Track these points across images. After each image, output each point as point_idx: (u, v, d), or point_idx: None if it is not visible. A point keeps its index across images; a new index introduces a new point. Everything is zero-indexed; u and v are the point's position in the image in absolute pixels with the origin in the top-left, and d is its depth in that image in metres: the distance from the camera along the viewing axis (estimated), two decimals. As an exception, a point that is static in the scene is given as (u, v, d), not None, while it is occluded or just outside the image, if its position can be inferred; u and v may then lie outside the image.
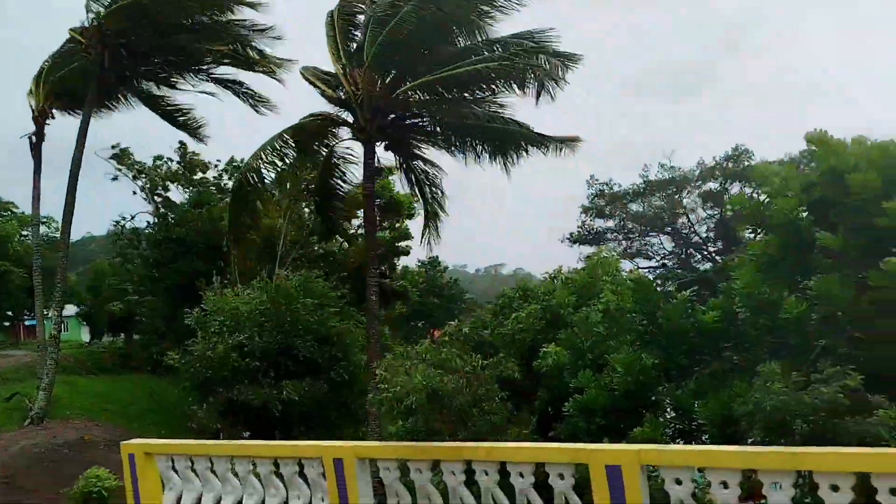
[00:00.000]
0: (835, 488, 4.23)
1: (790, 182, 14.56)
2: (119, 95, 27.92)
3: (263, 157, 18.87)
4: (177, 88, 27.37)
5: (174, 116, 28.71)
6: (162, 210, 39.48)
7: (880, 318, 12.65)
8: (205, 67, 26.03)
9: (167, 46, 24.92)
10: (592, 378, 15.59)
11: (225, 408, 20.52)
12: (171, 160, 39.44)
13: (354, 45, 20.34)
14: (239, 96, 26.26)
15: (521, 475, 5.50)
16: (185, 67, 26.18)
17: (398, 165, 22.39)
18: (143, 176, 39.48)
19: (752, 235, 16.07)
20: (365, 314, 19.72)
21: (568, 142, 19.29)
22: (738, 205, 16.70)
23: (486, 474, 5.70)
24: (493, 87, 18.92)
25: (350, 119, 20.36)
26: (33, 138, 26.66)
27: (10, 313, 51.02)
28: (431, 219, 22.40)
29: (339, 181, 21.84)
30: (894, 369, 12.50)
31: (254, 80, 26.92)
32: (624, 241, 44.13)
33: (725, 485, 4.60)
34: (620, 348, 15.80)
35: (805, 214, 14.05)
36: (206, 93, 26.69)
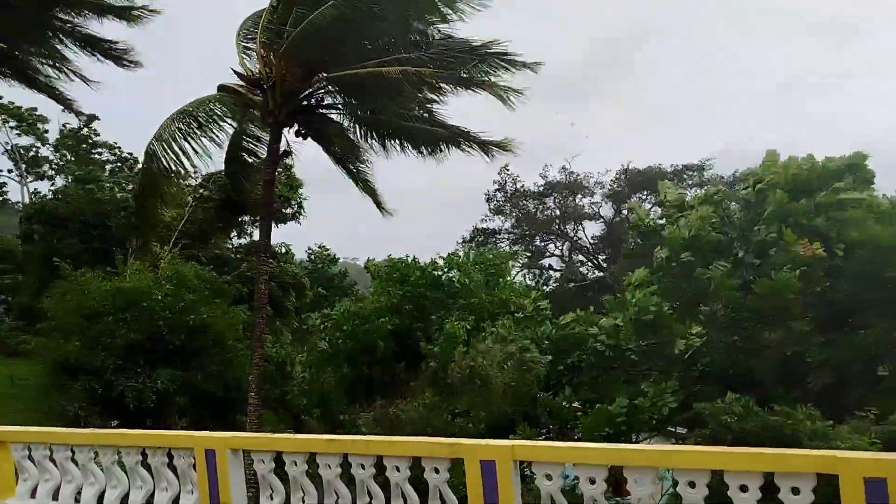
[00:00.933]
0: (692, 485, 4.48)
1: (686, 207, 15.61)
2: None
3: (168, 133, 17.89)
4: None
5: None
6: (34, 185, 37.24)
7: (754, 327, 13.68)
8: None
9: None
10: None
11: (90, 396, 19.56)
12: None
13: (276, 28, 19.67)
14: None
15: (398, 469, 5.50)
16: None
17: (330, 152, 21.66)
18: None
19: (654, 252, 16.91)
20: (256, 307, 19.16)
21: (496, 146, 19.39)
22: (637, 226, 17.66)
23: (363, 468, 5.66)
24: (415, 88, 18.67)
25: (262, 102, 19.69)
26: None
27: None
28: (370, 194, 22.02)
29: (247, 165, 21.09)
30: (766, 373, 13.47)
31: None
32: (518, 242, 45.14)
33: (593, 480, 4.77)
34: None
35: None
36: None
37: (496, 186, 43.58)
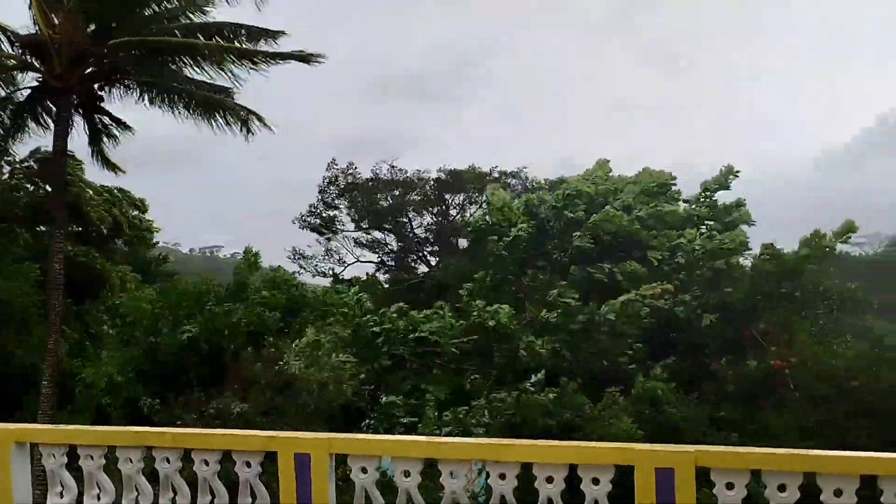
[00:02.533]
0: (502, 476, 4.63)
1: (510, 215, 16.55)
2: None
3: None
4: None
5: None
6: None
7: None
8: None
9: None
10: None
11: None
12: None
13: None
14: None
15: (206, 463, 5.23)
16: None
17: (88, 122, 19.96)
18: None
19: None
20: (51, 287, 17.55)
21: (257, 119, 18.89)
22: (474, 228, 18.49)
23: (168, 462, 5.33)
24: (206, 56, 17.89)
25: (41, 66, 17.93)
26: None
27: None
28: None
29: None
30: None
31: None
32: (354, 232, 44.86)
33: (408, 473, 4.79)
34: None
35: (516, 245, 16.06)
36: None
37: (327, 180, 43.08)
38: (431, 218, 43.84)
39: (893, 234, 57.57)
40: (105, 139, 19.93)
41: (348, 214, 44.36)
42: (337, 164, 43.15)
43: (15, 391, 18.70)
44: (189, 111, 18.57)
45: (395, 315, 17.75)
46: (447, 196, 42.74)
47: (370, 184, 43.14)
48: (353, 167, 43.34)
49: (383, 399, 16.31)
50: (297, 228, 43.66)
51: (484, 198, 25.69)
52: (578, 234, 15.47)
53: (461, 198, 42.25)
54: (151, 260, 40.72)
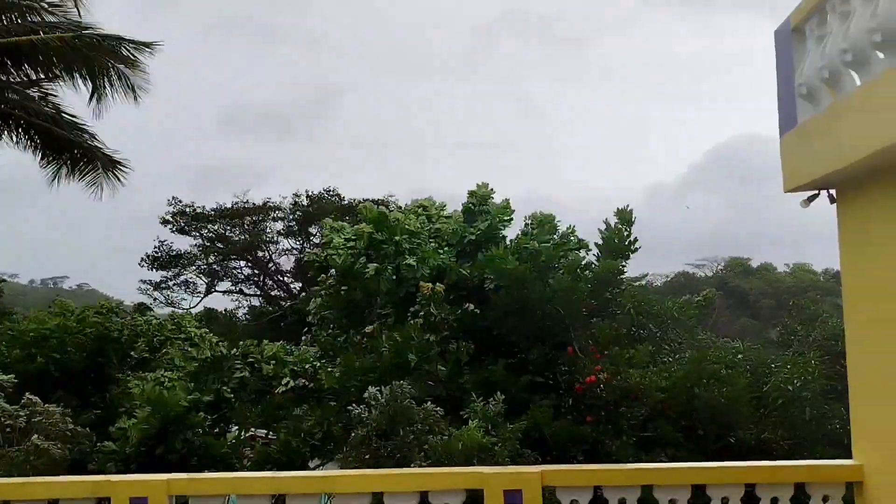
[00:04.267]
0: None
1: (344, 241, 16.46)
2: None
3: None
4: None
5: None
6: None
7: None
8: None
9: None
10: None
11: None
12: None
13: None
14: None
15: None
16: None
17: None
18: None
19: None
20: None
21: (116, 165, 17.35)
22: (311, 256, 18.40)
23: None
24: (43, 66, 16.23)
25: None
26: None
27: None
28: None
29: None
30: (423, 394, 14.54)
31: None
32: (204, 264, 43.06)
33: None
34: None
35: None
36: None
37: (174, 211, 41.22)
38: (292, 247, 42.96)
39: (729, 255, 62.42)
40: None
41: (197, 246, 42.64)
42: (180, 200, 41.50)
43: None
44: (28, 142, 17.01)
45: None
46: (314, 223, 41.87)
47: (217, 214, 41.69)
48: (193, 204, 41.82)
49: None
50: (144, 268, 41.50)
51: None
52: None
53: (315, 227, 41.68)
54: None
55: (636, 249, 15.78)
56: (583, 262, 16.09)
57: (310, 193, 41.96)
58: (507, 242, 16.52)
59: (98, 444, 15.12)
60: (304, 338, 19.12)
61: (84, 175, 16.44)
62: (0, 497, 4.90)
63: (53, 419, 14.66)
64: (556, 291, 14.57)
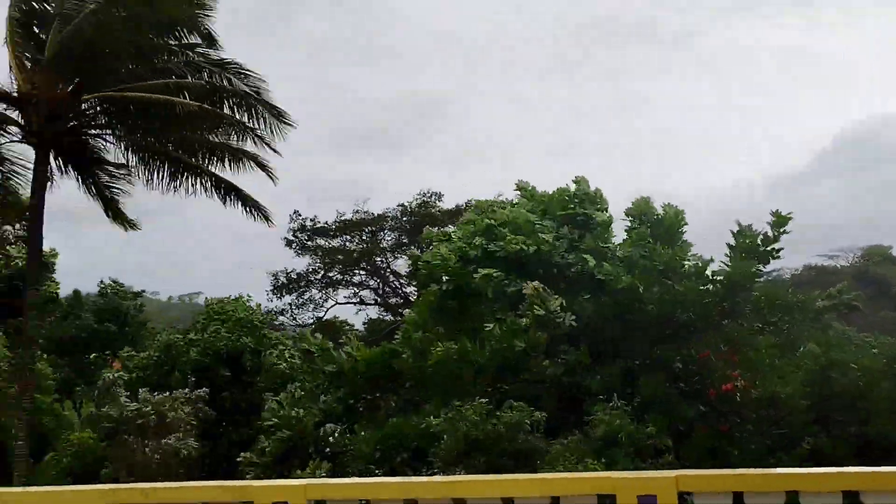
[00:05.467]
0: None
1: (447, 245, 16.37)
2: None
3: None
4: None
5: None
6: None
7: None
8: None
9: None
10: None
11: None
12: None
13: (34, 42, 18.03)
14: None
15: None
16: None
17: (82, 177, 19.87)
18: None
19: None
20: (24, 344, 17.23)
21: (261, 212, 19.07)
22: (415, 261, 18.58)
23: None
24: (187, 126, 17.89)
25: (18, 119, 17.85)
26: None
27: None
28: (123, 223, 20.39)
29: None
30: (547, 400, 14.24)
31: None
32: (324, 279, 44.59)
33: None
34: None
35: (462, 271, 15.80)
36: None
37: (295, 228, 42.92)
38: (405, 254, 43.78)
39: (866, 245, 58.22)
40: (108, 194, 19.78)
41: (318, 262, 44.14)
42: (300, 215, 43.12)
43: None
44: (165, 174, 18.64)
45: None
46: (423, 230, 42.63)
47: (337, 228, 43.02)
48: (315, 217, 43.30)
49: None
50: (272, 295, 43.41)
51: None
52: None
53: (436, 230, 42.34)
54: (126, 312, 40.31)
55: (777, 254, 14.81)
56: (705, 267, 15.34)
57: (416, 202, 42.65)
58: (617, 246, 15.84)
59: (241, 454, 16.05)
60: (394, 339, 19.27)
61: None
62: (155, 500, 5.23)
63: (181, 411, 15.58)
64: (681, 297, 14.10)
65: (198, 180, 18.77)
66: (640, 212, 15.95)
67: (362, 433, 15.00)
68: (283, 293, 43.82)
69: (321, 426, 15.82)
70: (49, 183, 18.31)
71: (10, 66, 17.47)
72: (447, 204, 41.96)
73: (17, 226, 29.89)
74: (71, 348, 36.35)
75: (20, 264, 23.65)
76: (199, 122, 17.89)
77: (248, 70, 17.91)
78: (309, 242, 43.74)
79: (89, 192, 19.66)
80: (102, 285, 44.22)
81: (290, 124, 17.93)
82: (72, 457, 18.28)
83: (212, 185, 18.83)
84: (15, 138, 18.07)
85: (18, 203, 19.99)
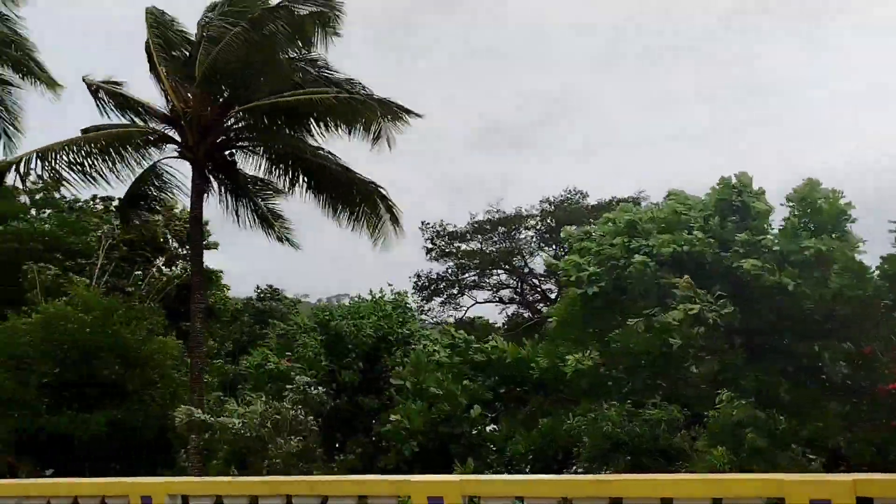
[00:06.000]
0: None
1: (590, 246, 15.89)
2: None
3: (63, 156, 17.50)
4: None
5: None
6: None
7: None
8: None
9: None
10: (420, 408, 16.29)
11: (19, 441, 18.63)
12: None
13: (179, 63, 19.59)
14: None
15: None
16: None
17: (224, 189, 21.30)
18: None
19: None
20: (192, 346, 18.71)
21: (394, 217, 19.68)
22: (553, 265, 18.46)
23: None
24: (326, 123, 18.77)
25: (175, 136, 19.43)
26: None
27: None
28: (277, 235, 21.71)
29: (152, 200, 20.75)
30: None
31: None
32: (462, 281, 45.21)
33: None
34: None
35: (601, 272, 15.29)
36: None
37: (431, 235, 43.71)
38: (546, 251, 43.47)
39: None
40: (260, 205, 21.27)
41: (454, 265, 44.73)
42: (430, 224, 43.81)
43: (171, 447, 19.93)
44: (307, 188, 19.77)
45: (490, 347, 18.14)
46: (564, 227, 42.06)
47: (472, 230, 43.37)
48: (443, 222, 43.84)
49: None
50: (416, 295, 44.50)
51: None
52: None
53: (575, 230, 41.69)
54: (284, 314, 42.73)
55: None
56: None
57: (555, 198, 42.23)
58: (774, 238, 14.81)
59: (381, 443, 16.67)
60: (525, 341, 19.08)
61: (372, 227, 19.22)
62: (316, 492, 5.51)
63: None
64: (841, 291, 13.13)
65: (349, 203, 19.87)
66: (803, 198, 14.72)
67: (515, 433, 15.18)
68: (425, 294, 44.86)
69: (470, 408, 16.12)
70: (206, 195, 19.84)
71: (164, 89, 19.06)
72: (589, 200, 41.47)
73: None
74: (234, 350, 39.04)
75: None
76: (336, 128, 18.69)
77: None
78: (447, 248, 44.50)
79: (240, 203, 21.11)
80: (259, 290, 47.18)
81: (416, 115, 18.30)
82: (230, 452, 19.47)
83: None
84: (172, 155, 19.75)
85: (177, 216, 21.70)
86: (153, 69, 19.07)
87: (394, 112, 18.40)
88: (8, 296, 29.27)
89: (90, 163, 18.04)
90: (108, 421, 18.71)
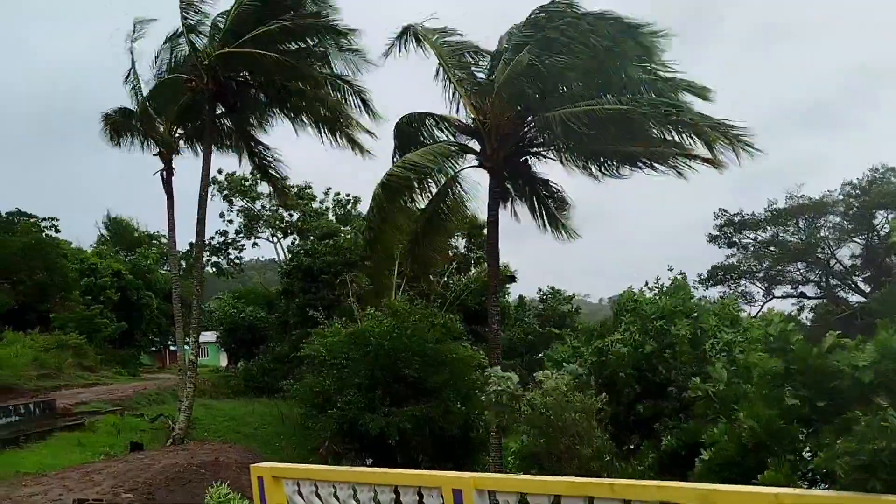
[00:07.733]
0: None
1: None
2: (228, 140, 28.76)
3: (403, 171, 19.21)
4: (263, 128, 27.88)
5: (266, 170, 29.43)
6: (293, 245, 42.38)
7: None
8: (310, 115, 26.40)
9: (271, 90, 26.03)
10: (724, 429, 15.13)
11: (339, 431, 21.19)
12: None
13: (476, 77, 20.88)
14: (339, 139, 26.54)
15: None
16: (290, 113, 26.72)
17: (520, 194, 22.22)
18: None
19: None
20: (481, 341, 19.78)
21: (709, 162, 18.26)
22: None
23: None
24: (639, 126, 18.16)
25: (475, 147, 20.77)
26: (164, 174, 26.85)
27: (156, 339, 54.32)
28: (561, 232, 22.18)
29: (447, 208, 22.10)
30: None
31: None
32: (753, 274, 42.17)
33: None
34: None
35: None
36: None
37: (720, 222, 41.18)
38: (856, 242, 38.78)
39: None
40: (553, 206, 22.11)
41: (747, 255, 41.77)
42: (727, 211, 41.22)
43: (470, 443, 21.33)
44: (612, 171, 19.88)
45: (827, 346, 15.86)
46: (878, 213, 36.91)
47: (768, 219, 40.06)
48: (742, 212, 40.88)
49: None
50: (699, 286, 42.51)
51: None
52: None
53: (880, 214, 36.41)
54: (566, 314, 43.38)
55: None
56: None
57: (859, 180, 37.48)
58: None
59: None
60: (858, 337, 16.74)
61: None
62: (619, 496, 5.50)
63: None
64: None
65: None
66: None
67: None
68: (712, 285, 42.63)
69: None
70: (503, 202, 20.92)
71: (463, 104, 20.34)
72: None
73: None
74: (521, 350, 40.50)
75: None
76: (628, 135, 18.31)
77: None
78: (735, 237, 41.80)
79: (531, 208, 21.85)
80: (541, 291, 48.40)
81: (750, 146, 17.00)
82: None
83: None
84: (472, 164, 21.01)
85: (477, 223, 22.93)
86: (447, 83, 20.42)
87: (724, 133, 17.03)
88: (328, 302, 33.48)
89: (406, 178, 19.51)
90: (412, 415, 20.50)
